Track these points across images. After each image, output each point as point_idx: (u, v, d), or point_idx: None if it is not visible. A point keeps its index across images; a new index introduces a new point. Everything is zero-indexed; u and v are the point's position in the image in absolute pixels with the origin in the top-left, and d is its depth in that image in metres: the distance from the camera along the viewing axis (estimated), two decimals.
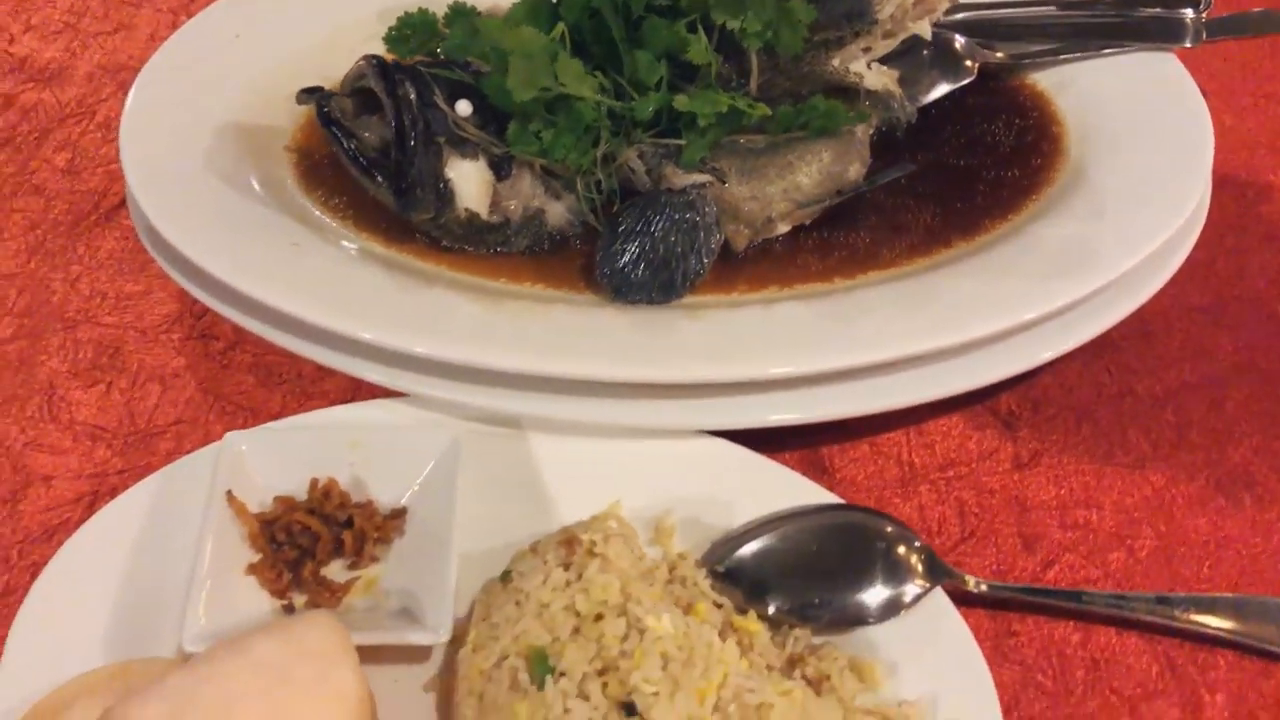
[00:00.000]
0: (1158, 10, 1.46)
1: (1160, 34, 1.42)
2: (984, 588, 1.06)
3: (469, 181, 1.18)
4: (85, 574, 1.01)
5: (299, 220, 1.23)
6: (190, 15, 1.65)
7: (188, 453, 1.10)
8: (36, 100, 1.53)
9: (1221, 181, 1.33)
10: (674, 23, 1.17)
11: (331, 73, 1.38)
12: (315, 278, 1.15)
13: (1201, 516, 1.16)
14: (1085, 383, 1.26)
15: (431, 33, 1.42)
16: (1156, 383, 1.27)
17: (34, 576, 1.04)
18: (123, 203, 1.40)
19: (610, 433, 1.12)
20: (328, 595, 1.00)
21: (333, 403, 1.20)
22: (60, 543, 1.04)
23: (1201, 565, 1.12)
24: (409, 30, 1.42)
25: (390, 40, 1.42)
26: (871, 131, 1.30)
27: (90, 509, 1.11)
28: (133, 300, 1.31)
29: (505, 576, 0.97)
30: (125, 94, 1.51)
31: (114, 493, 1.10)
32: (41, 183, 1.43)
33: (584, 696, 0.86)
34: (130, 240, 1.36)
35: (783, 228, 1.24)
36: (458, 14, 1.40)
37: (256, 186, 1.25)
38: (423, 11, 1.42)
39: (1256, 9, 1.60)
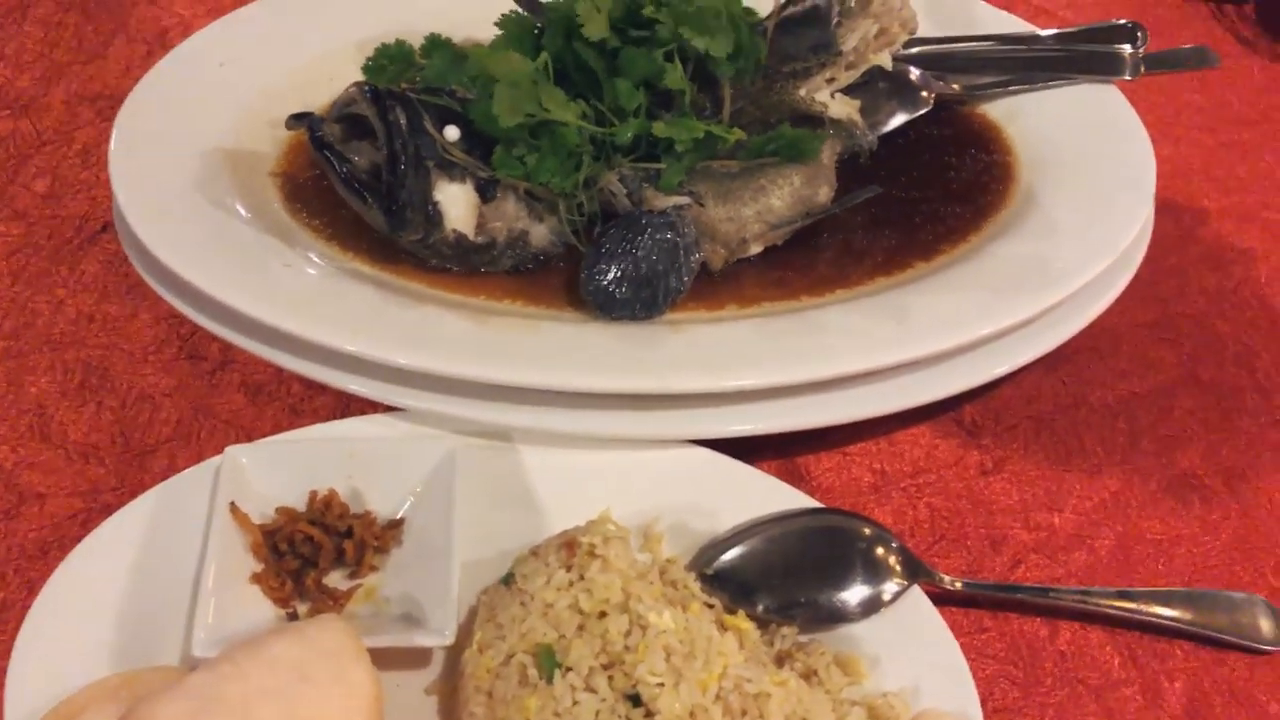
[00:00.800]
0: (1098, 45, 1.55)
1: (1101, 67, 1.51)
2: (958, 585, 1.11)
3: (456, 204, 1.22)
4: (88, 587, 1.02)
5: (287, 241, 1.25)
6: (163, 46, 1.69)
7: (181, 470, 1.12)
8: (13, 128, 1.55)
9: (1161, 206, 1.40)
10: (651, 52, 1.22)
11: (311, 100, 1.43)
12: (306, 295, 1.19)
13: (1155, 517, 1.23)
14: (1043, 394, 1.33)
15: (409, 62, 1.47)
16: (1109, 393, 1.34)
17: (30, 593, 1.06)
18: (104, 228, 1.42)
19: (598, 443, 1.17)
20: (330, 603, 1.03)
21: (323, 419, 1.22)
22: (56, 560, 1.06)
23: (1156, 562, 1.19)
24: (386, 60, 1.47)
25: (368, 70, 1.47)
26: (836, 158, 1.37)
27: (85, 526, 1.13)
28: (119, 322, 1.32)
29: (508, 579, 1.01)
30: (102, 122, 1.55)
31: (108, 510, 1.11)
32: (22, 208, 1.44)
33: (591, 689, 0.89)
34: (114, 264, 1.38)
35: (756, 248, 1.30)
36: (435, 45, 1.45)
37: (243, 209, 1.28)
38: (400, 42, 1.47)
39: (1188, 45, 1.70)
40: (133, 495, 1.10)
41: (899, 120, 1.47)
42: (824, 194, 1.30)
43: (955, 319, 1.20)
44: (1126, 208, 1.32)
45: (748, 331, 1.22)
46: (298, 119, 1.26)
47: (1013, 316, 1.20)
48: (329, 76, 1.46)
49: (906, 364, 1.19)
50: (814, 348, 1.18)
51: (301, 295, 1.19)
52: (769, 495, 1.13)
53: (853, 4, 1.32)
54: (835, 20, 1.30)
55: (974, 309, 1.21)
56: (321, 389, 1.24)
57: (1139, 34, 1.56)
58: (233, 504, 1.04)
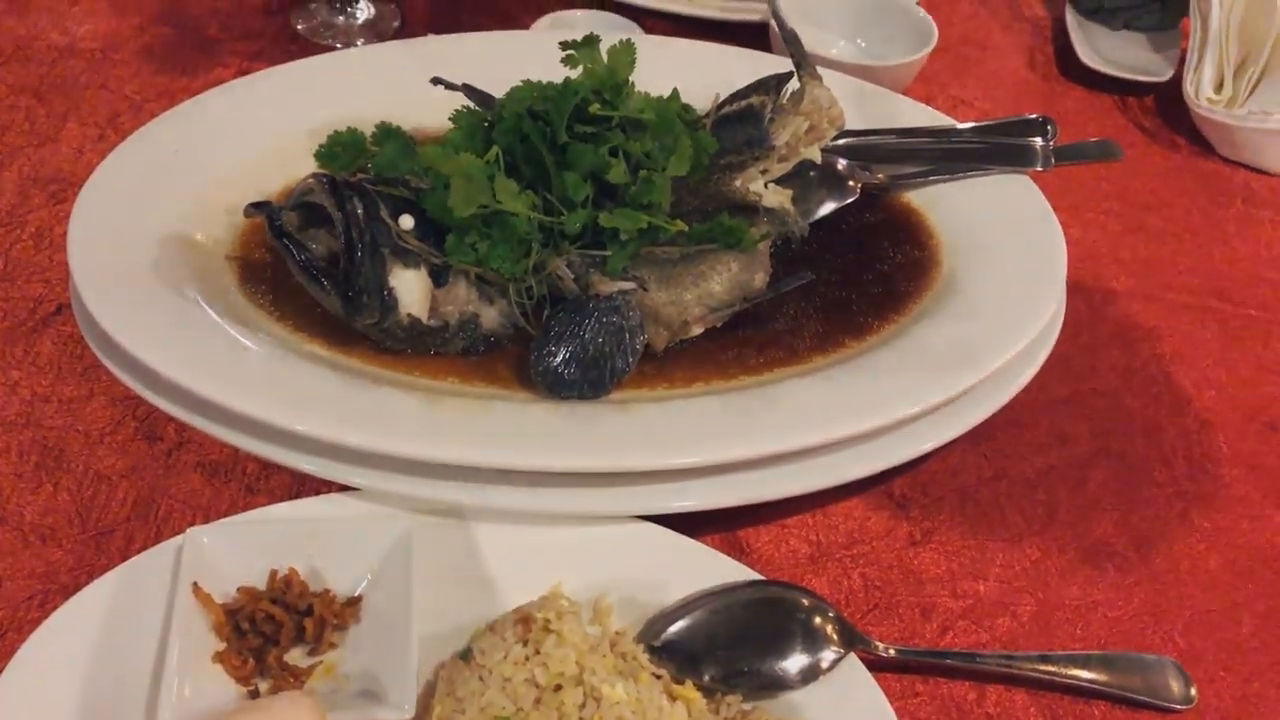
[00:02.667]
0: (1012, 138, 1.65)
1: (1015, 159, 1.61)
2: (891, 652, 1.17)
3: (411, 289, 1.27)
4: (48, 669, 1.03)
5: (242, 324, 1.29)
6: (115, 129, 1.72)
7: (139, 551, 1.14)
8: None
9: (1072, 288, 1.49)
10: (597, 147, 1.30)
11: (265, 186, 1.48)
12: (262, 376, 1.22)
13: (1073, 584, 1.30)
14: (967, 467, 1.41)
15: (360, 150, 1.52)
16: (1028, 466, 1.42)
17: None
18: (58, 310, 1.44)
19: (548, 520, 1.21)
20: (291, 680, 1.06)
21: (279, 498, 1.26)
22: (14, 643, 1.07)
23: (1075, 627, 1.26)
24: (339, 148, 1.52)
25: (321, 157, 1.52)
26: (770, 245, 1.44)
27: (43, 608, 1.14)
28: (75, 404, 1.34)
29: (465, 655, 1.04)
30: (55, 205, 1.58)
31: (66, 591, 1.14)
32: None
33: None
34: (69, 345, 1.40)
35: (697, 330, 1.36)
36: (386, 133, 1.51)
37: (200, 292, 1.31)
38: (352, 130, 1.52)
39: (1094, 139, 1.82)
40: (90, 576, 1.12)
41: (828, 208, 1.55)
42: (760, 279, 1.38)
43: (885, 399, 1.27)
44: (1041, 291, 1.41)
45: (691, 410, 1.27)
46: (256, 207, 1.30)
47: (939, 395, 1.28)
48: (282, 163, 1.51)
49: (840, 441, 1.26)
50: (754, 426, 1.24)
51: (257, 377, 1.22)
52: (712, 568, 1.18)
53: (785, 103, 1.40)
54: (768, 118, 1.38)
55: (902, 389, 1.28)
56: (277, 468, 1.27)
57: (1049, 127, 1.67)
58: (195, 584, 1.07)
